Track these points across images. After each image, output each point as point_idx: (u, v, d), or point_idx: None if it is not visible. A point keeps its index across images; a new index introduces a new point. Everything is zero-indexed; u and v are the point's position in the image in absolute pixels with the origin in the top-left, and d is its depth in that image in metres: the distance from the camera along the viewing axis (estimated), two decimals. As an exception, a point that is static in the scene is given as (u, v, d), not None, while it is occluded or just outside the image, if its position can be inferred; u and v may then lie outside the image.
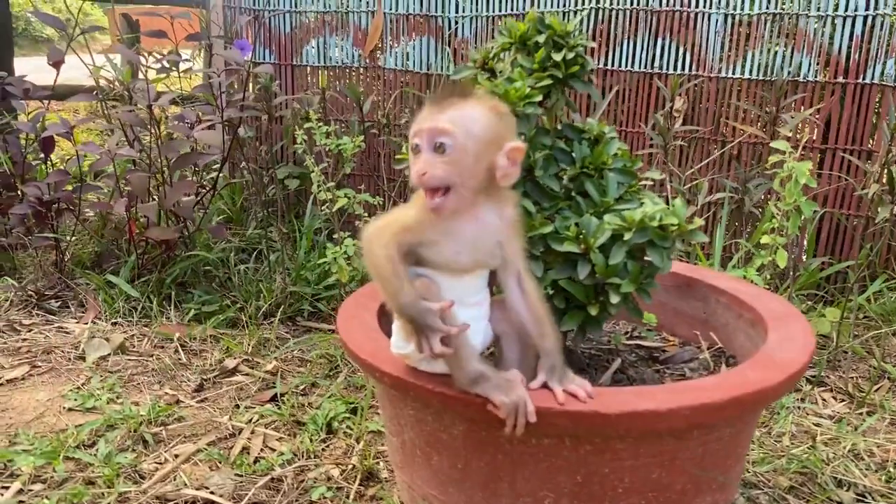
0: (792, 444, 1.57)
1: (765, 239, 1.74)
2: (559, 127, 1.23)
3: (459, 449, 1.06)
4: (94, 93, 2.54)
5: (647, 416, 0.92)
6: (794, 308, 1.25)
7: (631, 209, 1.11)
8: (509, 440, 0.98)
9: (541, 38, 1.15)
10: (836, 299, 2.22)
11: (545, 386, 0.97)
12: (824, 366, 1.91)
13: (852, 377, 1.90)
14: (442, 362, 1.00)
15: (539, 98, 1.10)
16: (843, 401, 1.80)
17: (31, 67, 2.96)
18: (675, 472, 1.01)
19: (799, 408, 1.74)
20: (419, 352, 0.93)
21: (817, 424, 1.66)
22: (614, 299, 1.08)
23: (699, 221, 1.09)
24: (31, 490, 1.39)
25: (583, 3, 2.49)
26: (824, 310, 2.10)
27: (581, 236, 1.10)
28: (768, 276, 1.90)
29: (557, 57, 1.13)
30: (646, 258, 1.11)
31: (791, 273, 2.02)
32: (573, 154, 1.19)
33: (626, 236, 1.07)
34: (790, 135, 2.12)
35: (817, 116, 2.28)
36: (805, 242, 2.29)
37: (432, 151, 0.92)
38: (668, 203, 1.28)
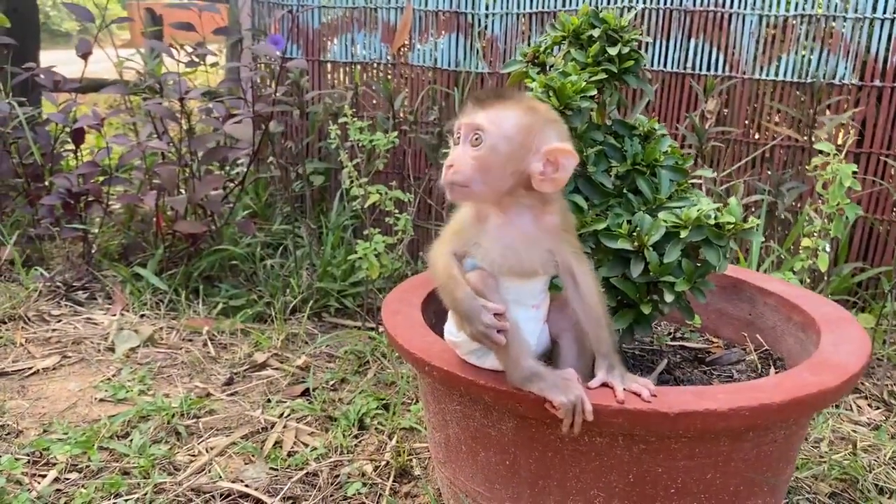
0: (831, 450, 1.55)
1: (805, 241, 1.71)
2: (609, 123, 1.21)
3: (508, 445, 1.04)
4: (118, 84, 2.54)
5: (706, 416, 0.91)
6: (847, 312, 1.23)
7: (684, 207, 1.10)
8: (561, 438, 0.97)
9: (595, 32, 1.14)
10: (869, 305, 2.19)
11: (604, 385, 0.95)
12: (860, 372, 1.89)
13: (887, 384, 1.87)
14: (493, 356, 0.99)
15: (593, 92, 1.09)
16: (878, 408, 1.77)
17: (48, 61, 2.95)
18: (729, 474, 1.00)
19: (835, 414, 1.71)
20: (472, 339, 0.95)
21: (854, 431, 1.64)
22: (668, 298, 1.06)
23: (755, 220, 1.07)
24: (67, 479, 1.38)
25: (618, 2, 2.48)
26: (857, 316, 2.08)
27: (634, 233, 1.08)
28: (807, 279, 1.87)
29: (612, 51, 1.12)
30: (699, 257, 1.09)
31: (826, 277, 2.00)
32: (623, 150, 1.18)
33: (682, 234, 1.05)
34: (825, 137, 2.09)
35: (853, 120, 2.26)
36: (838, 247, 2.26)
37: (467, 144, 0.94)
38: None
